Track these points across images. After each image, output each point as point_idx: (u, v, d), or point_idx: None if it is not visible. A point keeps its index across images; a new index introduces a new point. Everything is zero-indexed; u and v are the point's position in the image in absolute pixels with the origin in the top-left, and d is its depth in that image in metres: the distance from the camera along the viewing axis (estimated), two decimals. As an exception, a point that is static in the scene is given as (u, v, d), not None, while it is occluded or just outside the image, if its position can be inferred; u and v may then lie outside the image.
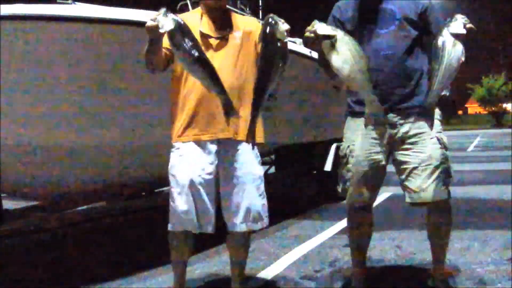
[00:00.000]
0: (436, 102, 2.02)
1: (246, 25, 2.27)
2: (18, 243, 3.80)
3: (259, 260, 3.22)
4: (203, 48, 2.01)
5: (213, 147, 2.19)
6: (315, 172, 5.46)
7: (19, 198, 3.46)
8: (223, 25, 2.24)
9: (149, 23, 1.88)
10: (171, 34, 1.87)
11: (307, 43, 2.06)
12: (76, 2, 2.94)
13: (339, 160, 2.41)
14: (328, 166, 5.24)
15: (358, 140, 2.28)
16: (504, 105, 46.79)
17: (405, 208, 4.66)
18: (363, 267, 2.51)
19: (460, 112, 65.75)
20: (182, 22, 1.89)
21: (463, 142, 17.43)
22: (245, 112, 2.09)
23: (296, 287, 2.72)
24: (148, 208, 4.28)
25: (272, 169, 6.08)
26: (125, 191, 3.64)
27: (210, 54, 2.07)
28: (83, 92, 2.82)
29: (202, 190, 2.17)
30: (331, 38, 1.99)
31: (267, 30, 1.91)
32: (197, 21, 2.19)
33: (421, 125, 2.20)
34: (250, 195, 2.24)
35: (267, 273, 2.95)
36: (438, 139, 2.21)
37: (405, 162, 2.23)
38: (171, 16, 1.87)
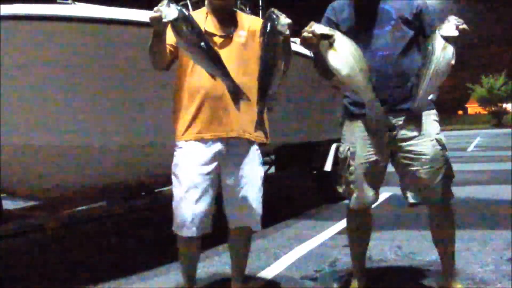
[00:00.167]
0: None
1: (251, 24, 2.27)
2: (18, 243, 3.80)
3: (259, 260, 3.22)
4: None
5: (216, 146, 2.19)
6: (315, 172, 5.46)
7: (19, 198, 3.46)
8: (228, 24, 2.24)
9: (153, 13, 1.88)
10: (174, 23, 1.86)
11: (304, 43, 2.06)
12: (76, 2, 2.94)
13: (339, 163, 2.39)
14: (328, 166, 5.24)
15: (358, 142, 2.28)
16: (504, 105, 46.85)
17: (405, 208, 4.68)
18: (363, 267, 2.51)
19: (460, 112, 65.76)
20: (185, 11, 1.89)
21: (463, 142, 17.44)
22: (250, 110, 2.08)
23: (296, 287, 2.72)
24: (148, 208, 4.29)
25: (272, 169, 6.08)
26: (125, 191, 3.64)
27: None
28: (83, 92, 2.82)
29: (204, 191, 2.17)
30: (329, 38, 1.99)
31: (268, 23, 1.92)
32: (201, 20, 2.19)
33: (421, 127, 2.20)
34: (252, 194, 2.24)
35: (267, 273, 2.95)
36: (438, 141, 2.21)
37: (406, 165, 2.23)
38: (174, 6, 1.87)
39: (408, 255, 3.21)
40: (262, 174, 2.31)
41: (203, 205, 2.16)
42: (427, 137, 2.20)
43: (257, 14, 4.69)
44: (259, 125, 2.02)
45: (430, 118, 2.24)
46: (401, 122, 2.20)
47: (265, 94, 1.95)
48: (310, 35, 2.00)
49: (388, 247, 3.39)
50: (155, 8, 1.88)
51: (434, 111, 2.28)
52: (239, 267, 2.39)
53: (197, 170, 2.16)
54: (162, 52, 2.10)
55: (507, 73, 46.94)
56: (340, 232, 3.89)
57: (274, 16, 1.92)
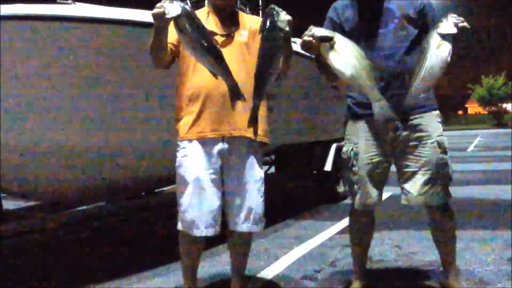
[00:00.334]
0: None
1: (252, 24, 2.26)
2: (18, 243, 3.80)
3: (259, 260, 3.22)
4: None
5: (218, 146, 2.18)
6: (315, 172, 5.46)
7: (19, 198, 3.45)
8: (229, 23, 2.24)
9: (155, 10, 1.88)
10: (177, 20, 1.86)
11: (305, 47, 2.05)
12: (76, 2, 2.94)
13: (343, 163, 2.38)
14: (328, 166, 5.24)
15: (361, 143, 2.27)
16: (504, 105, 46.82)
17: (405, 208, 4.67)
18: (363, 267, 2.51)
19: (460, 112, 65.75)
20: (188, 8, 1.88)
21: (463, 142, 17.43)
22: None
23: (296, 287, 2.72)
24: (148, 208, 4.28)
25: (272, 169, 6.08)
26: (125, 191, 3.64)
27: None
28: (83, 92, 2.82)
29: (209, 191, 2.17)
30: (329, 40, 1.98)
31: (268, 19, 1.91)
32: (203, 19, 2.18)
33: (423, 128, 2.20)
34: (252, 195, 2.24)
35: (267, 273, 2.95)
36: (439, 143, 2.20)
37: (405, 166, 2.23)
38: (177, 2, 1.86)
39: (408, 255, 3.21)
40: (263, 175, 2.31)
41: (210, 204, 2.16)
42: (429, 139, 2.19)
43: (257, 14, 4.69)
44: (252, 122, 2.01)
45: (433, 119, 2.24)
46: (404, 123, 2.18)
47: (261, 91, 1.95)
48: (310, 38, 2.00)
49: (388, 247, 3.39)
50: (158, 4, 1.87)
51: (437, 112, 2.27)
52: (239, 268, 2.39)
53: (201, 169, 2.16)
54: (163, 50, 2.10)
55: (507, 73, 46.95)
56: (340, 232, 3.89)
57: (274, 12, 1.91)
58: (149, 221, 4.70)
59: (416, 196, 2.22)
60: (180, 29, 1.88)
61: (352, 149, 2.30)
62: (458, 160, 9.67)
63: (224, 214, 2.27)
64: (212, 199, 2.17)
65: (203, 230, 2.17)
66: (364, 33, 2.22)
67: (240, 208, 2.23)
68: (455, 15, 1.97)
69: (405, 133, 2.20)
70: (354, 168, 2.29)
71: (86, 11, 2.76)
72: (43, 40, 2.62)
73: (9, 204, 3.70)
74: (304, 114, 4.78)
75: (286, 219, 4.55)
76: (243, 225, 2.25)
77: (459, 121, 45.81)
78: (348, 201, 5.26)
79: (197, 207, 2.15)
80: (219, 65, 1.93)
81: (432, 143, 2.19)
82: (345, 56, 1.98)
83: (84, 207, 3.70)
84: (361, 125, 2.28)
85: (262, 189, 2.28)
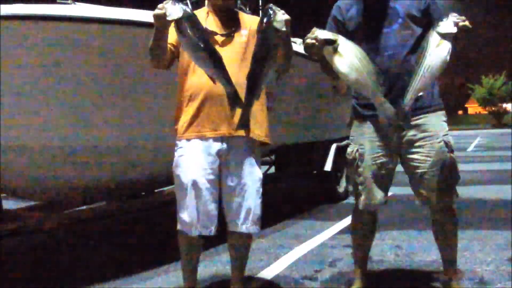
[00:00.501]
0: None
1: (252, 23, 2.25)
2: (18, 243, 3.80)
3: (259, 260, 3.22)
4: None
5: (217, 145, 2.18)
6: (315, 172, 5.46)
7: (19, 198, 3.45)
8: (229, 23, 2.24)
9: (157, 11, 1.87)
10: (178, 22, 1.85)
11: (308, 49, 2.04)
12: (76, 2, 2.94)
13: (348, 164, 2.37)
14: (328, 166, 5.24)
15: (366, 144, 2.27)
16: (504, 105, 46.82)
17: (405, 208, 4.68)
18: (364, 267, 2.51)
19: (460, 112, 65.75)
20: (190, 11, 1.88)
21: (463, 142, 17.43)
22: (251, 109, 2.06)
23: (296, 287, 2.72)
24: (148, 208, 4.28)
25: (272, 169, 6.08)
26: (125, 191, 3.64)
27: None
28: (83, 92, 2.82)
29: (205, 192, 2.16)
30: (332, 43, 1.98)
31: (264, 19, 1.90)
32: (202, 19, 2.18)
33: (428, 128, 2.20)
34: (251, 196, 2.23)
35: (267, 273, 2.95)
36: (446, 142, 2.19)
37: (414, 167, 2.22)
38: (179, 5, 1.85)
39: (408, 255, 3.20)
40: (261, 175, 2.31)
41: (203, 205, 2.16)
42: (435, 138, 2.19)
43: (257, 14, 4.69)
44: (242, 122, 1.99)
45: (438, 119, 2.23)
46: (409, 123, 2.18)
47: (253, 92, 1.93)
48: (314, 41, 1.99)
49: (388, 247, 3.38)
50: (160, 5, 1.87)
51: (442, 112, 2.27)
52: (239, 268, 2.39)
53: (199, 169, 2.16)
54: (163, 51, 2.10)
55: (507, 73, 46.96)
56: (340, 232, 3.89)
57: (271, 12, 1.89)
58: (149, 221, 4.70)
59: (429, 198, 2.21)
60: (180, 32, 1.87)
61: (357, 150, 2.29)
62: (458, 160, 9.63)
63: (223, 214, 2.27)
64: (209, 200, 2.17)
65: (200, 230, 2.17)
66: (367, 32, 2.21)
67: (239, 209, 2.23)
68: (456, 14, 1.96)
69: (410, 133, 2.19)
70: (359, 169, 2.28)
71: (86, 11, 2.76)
72: (43, 40, 2.62)
73: (9, 204, 3.70)
74: (304, 114, 4.78)
75: (286, 219, 4.55)
76: (242, 226, 2.24)
77: (459, 121, 45.80)
78: (348, 201, 5.31)
79: (194, 207, 2.15)
80: (218, 71, 1.92)
81: (439, 142, 2.19)
82: (349, 60, 1.97)
83: (84, 207, 3.70)
84: (366, 126, 2.27)
85: (261, 189, 2.28)
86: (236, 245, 2.36)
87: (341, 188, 5.57)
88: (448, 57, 1.95)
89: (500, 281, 2.59)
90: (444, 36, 1.94)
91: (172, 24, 1.91)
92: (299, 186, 6.40)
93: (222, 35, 2.20)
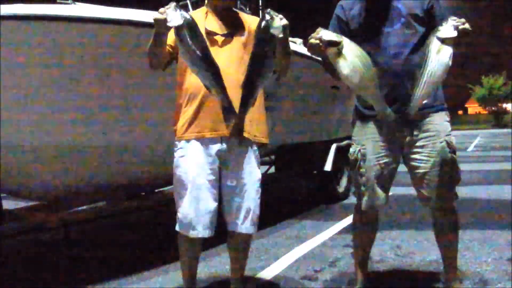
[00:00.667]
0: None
1: (251, 24, 2.24)
2: (18, 243, 3.80)
3: (259, 260, 3.22)
4: (208, 45, 1.99)
5: (216, 146, 2.18)
6: (315, 172, 5.46)
7: (19, 198, 3.46)
8: (229, 23, 2.23)
9: (158, 16, 1.87)
10: (178, 29, 1.85)
11: (311, 49, 2.04)
12: (76, 2, 2.94)
13: (350, 165, 2.36)
14: (328, 166, 5.23)
15: (369, 144, 2.26)
16: (504, 105, 46.83)
17: (405, 208, 4.67)
18: (365, 266, 2.51)
19: (460, 112, 65.75)
20: (190, 19, 1.87)
21: (463, 142, 17.42)
22: (250, 110, 2.06)
23: (296, 287, 2.72)
24: (148, 208, 4.29)
25: (272, 169, 6.08)
26: (125, 191, 3.64)
27: (215, 51, 2.04)
28: (83, 92, 2.82)
29: (205, 192, 2.16)
30: (337, 45, 1.97)
31: (261, 25, 1.90)
32: (201, 19, 2.18)
33: (431, 128, 2.20)
34: (250, 196, 2.23)
35: (267, 273, 2.95)
36: (448, 143, 2.19)
37: (416, 167, 2.22)
38: (180, 12, 1.85)
39: (408, 255, 3.20)
40: (260, 176, 2.31)
41: (202, 206, 2.16)
42: (437, 138, 2.19)
43: (257, 14, 4.69)
44: (236, 130, 1.98)
45: (441, 119, 2.23)
46: (411, 123, 2.17)
47: (247, 101, 1.93)
48: (318, 41, 1.99)
49: (388, 247, 3.38)
50: (161, 10, 1.86)
51: (445, 112, 2.27)
52: (238, 268, 2.39)
53: (198, 170, 2.16)
54: (161, 53, 2.10)
55: (507, 73, 46.96)
56: (340, 232, 3.89)
57: (268, 18, 1.89)
58: (149, 221, 4.70)
59: (431, 199, 2.21)
60: (180, 39, 1.87)
61: (359, 150, 2.29)
62: (458, 160, 9.64)
63: (222, 215, 2.27)
64: (209, 201, 2.17)
65: (199, 231, 2.17)
66: (370, 31, 2.21)
67: (238, 209, 2.23)
68: (455, 18, 1.95)
69: (413, 133, 2.19)
70: (362, 170, 2.28)
71: (86, 11, 2.77)
72: (43, 40, 2.62)
73: (9, 204, 3.70)
74: (304, 114, 4.78)
75: (286, 219, 4.55)
76: (242, 226, 2.24)
77: (459, 121, 45.81)
78: (348, 201, 5.31)
79: (194, 208, 2.15)
80: (215, 82, 1.91)
81: (441, 142, 2.18)
82: (352, 63, 1.97)
83: (84, 207, 3.71)
84: (369, 127, 2.27)
85: (260, 190, 2.28)
86: (236, 245, 2.36)
87: (341, 188, 5.57)
88: (450, 62, 1.94)
89: (500, 281, 2.59)
90: (444, 40, 1.93)
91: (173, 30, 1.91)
92: (299, 186, 6.40)
93: (221, 35, 2.20)
